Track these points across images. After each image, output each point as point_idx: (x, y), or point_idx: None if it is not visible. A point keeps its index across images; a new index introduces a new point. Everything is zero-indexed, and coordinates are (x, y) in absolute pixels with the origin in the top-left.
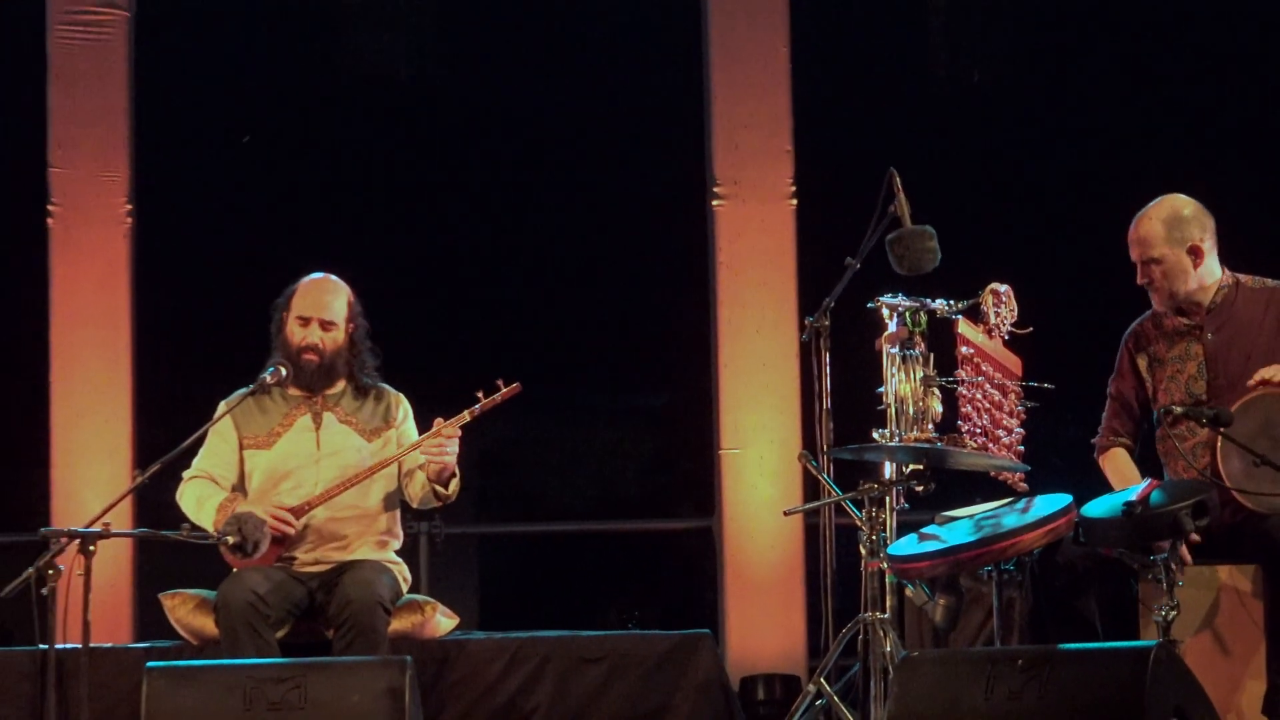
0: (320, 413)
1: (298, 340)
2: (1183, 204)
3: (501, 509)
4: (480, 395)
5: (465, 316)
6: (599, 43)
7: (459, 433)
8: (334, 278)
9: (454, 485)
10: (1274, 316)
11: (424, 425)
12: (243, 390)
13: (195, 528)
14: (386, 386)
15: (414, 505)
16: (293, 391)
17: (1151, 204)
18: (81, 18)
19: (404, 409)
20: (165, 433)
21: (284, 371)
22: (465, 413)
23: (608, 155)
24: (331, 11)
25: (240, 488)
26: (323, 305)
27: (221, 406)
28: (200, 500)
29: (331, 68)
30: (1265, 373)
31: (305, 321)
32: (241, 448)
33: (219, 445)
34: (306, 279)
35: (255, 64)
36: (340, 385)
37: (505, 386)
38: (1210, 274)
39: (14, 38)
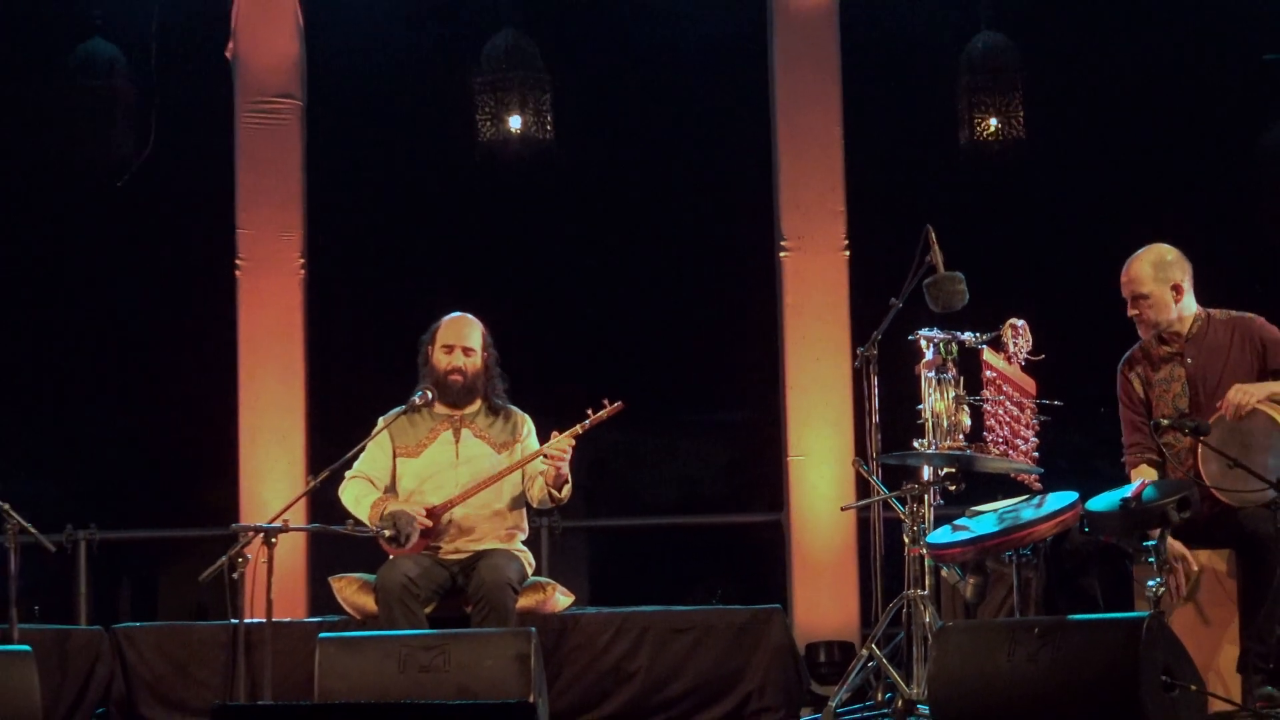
0: (459, 428)
1: (444, 365)
2: (1166, 250)
3: (607, 506)
4: (590, 412)
5: (579, 347)
6: (690, 123)
7: (573, 443)
8: (470, 315)
9: (566, 490)
10: (1239, 340)
11: (545, 438)
12: (397, 409)
13: (359, 523)
14: (514, 407)
15: (534, 506)
16: (438, 410)
17: (1141, 250)
18: (263, 106)
19: (528, 427)
20: (331, 446)
21: (430, 394)
22: (577, 426)
23: (696, 214)
24: (465, 96)
25: (391, 489)
26: (464, 335)
27: (380, 422)
28: (358, 498)
29: (465, 141)
30: (1231, 396)
31: (450, 349)
32: (395, 455)
33: (377, 452)
34: (449, 315)
35: (404, 140)
36: (476, 404)
37: (610, 405)
38: (1188, 309)
39: (210, 123)
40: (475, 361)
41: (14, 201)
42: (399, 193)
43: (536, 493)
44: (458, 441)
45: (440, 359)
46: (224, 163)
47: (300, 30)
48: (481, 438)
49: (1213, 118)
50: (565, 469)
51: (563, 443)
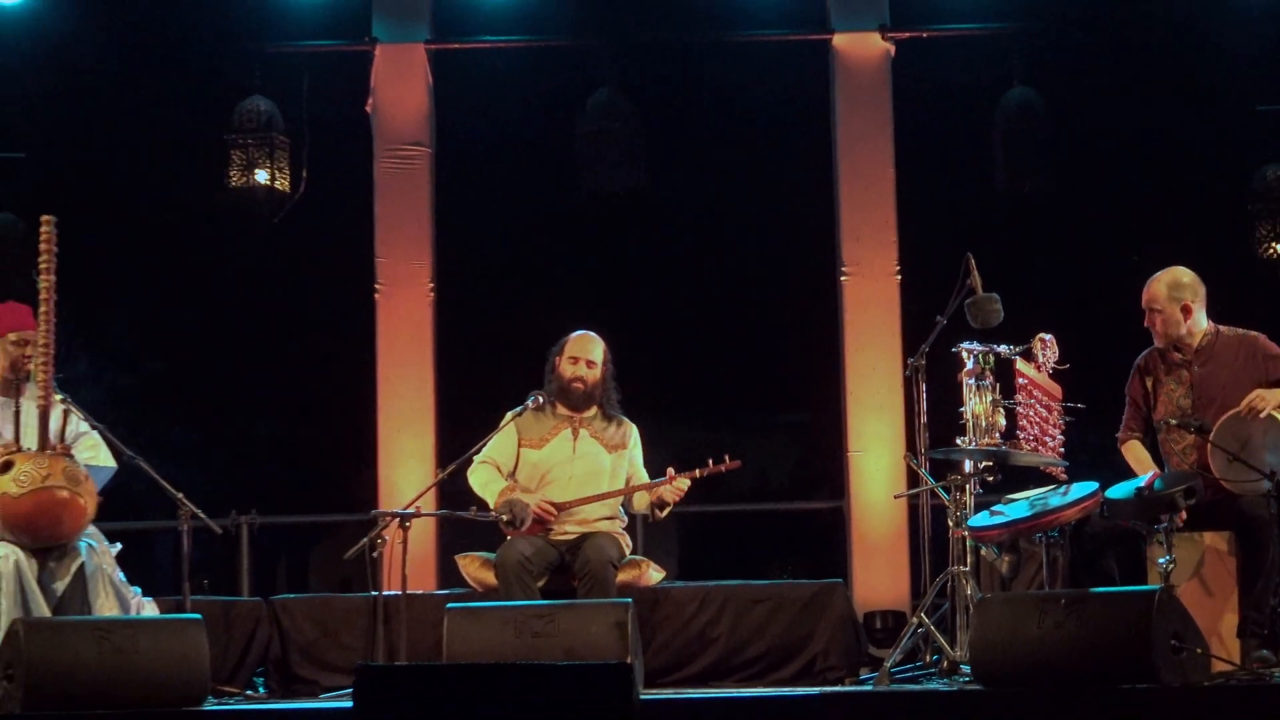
0: (577, 428)
1: (569, 374)
2: (1183, 274)
3: (693, 495)
4: (710, 462)
5: (669, 359)
6: (762, 163)
7: (687, 485)
8: (594, 334)
9: (665, 513)
10: (1244, 354)
11: (660, 465)
12: (515, 409)
13: (481, 509)
14: (624, 417)
15: (631, 511)
16: (560, 410)
17: (1162, 271)
18: (398, 152)
19: (635, 436)
20: (457, 441)
21: (542, 398)
22: (696, 470)
23: (767, 244)
24: (568, 143)
25: (512, 475)
26: (588, 350)
27: (506, 416)
28: (486, 483)
29: (569, 181)
30: (1249, 401)
31: (575, 360)
32: (520, 445)
33: (505, 441)
34: (578, 332)
35: (517, 180)
36: (594, 410)
37: (729, 462)
38: (1198, 325)
39: (352, 168)
40: (596, 373)
41: (189, 235)
42: (513, 225)
43: (638, 507)
44: (575, 439)
45: (566, 368)
46: (364, 201)
47: (429, 87)
48: (596, 439)
49: (1213, 159)
50: (673, 502)
51: (681, 484)
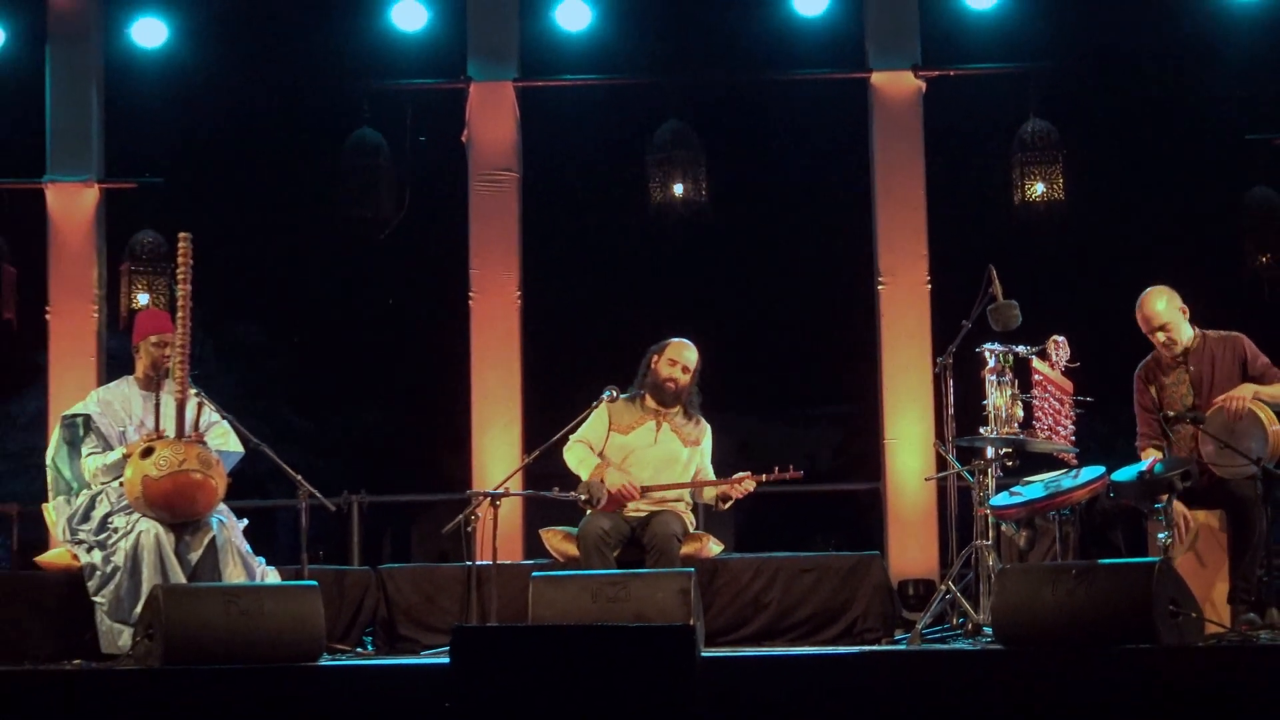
0: (661, 421)
1: (665, 374)
2: (1164, 289)
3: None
4: (776, 469)
5: (732, 359)
6: (810, 186)
7: (753, 487)
8: (691, 343)
9: (728, 506)
10: (1227, 353)
11: (720, 436)
12: (597, 401)
13: (563, 490)
14: (702, 416)
15: (699, 501)
16: (649, 404)
17: (1145, 294)
18: (489, 177)
19: (708, 435)
20: (540, 430)
21: (615, 393)
22: (763, 475)
23: (813, 257)
24: (640, 169)
25: (600, 454)
26: (687, 357)
27: (594, 405)
28: (581, 459)
29: (640, 202)
30: (1222, 398)
31: (674, 364)
32: (610, 429)
33: (597, 424)
34: (679, 339)
35: (594, 200)
36: (678, 408)
37: (792, 471)
38: (1189, 329)
39: (449, 190)
40: (687, 378)
41: (306, 250)
42: (590, 240)
43: (708, 499)
44: (658, 431)
45: (664, 369)
46: (460, 219)
47: (517, 120)
48: (675, 433)
49: (1207, 182)
50: (736, 498)
51: (748, 485)
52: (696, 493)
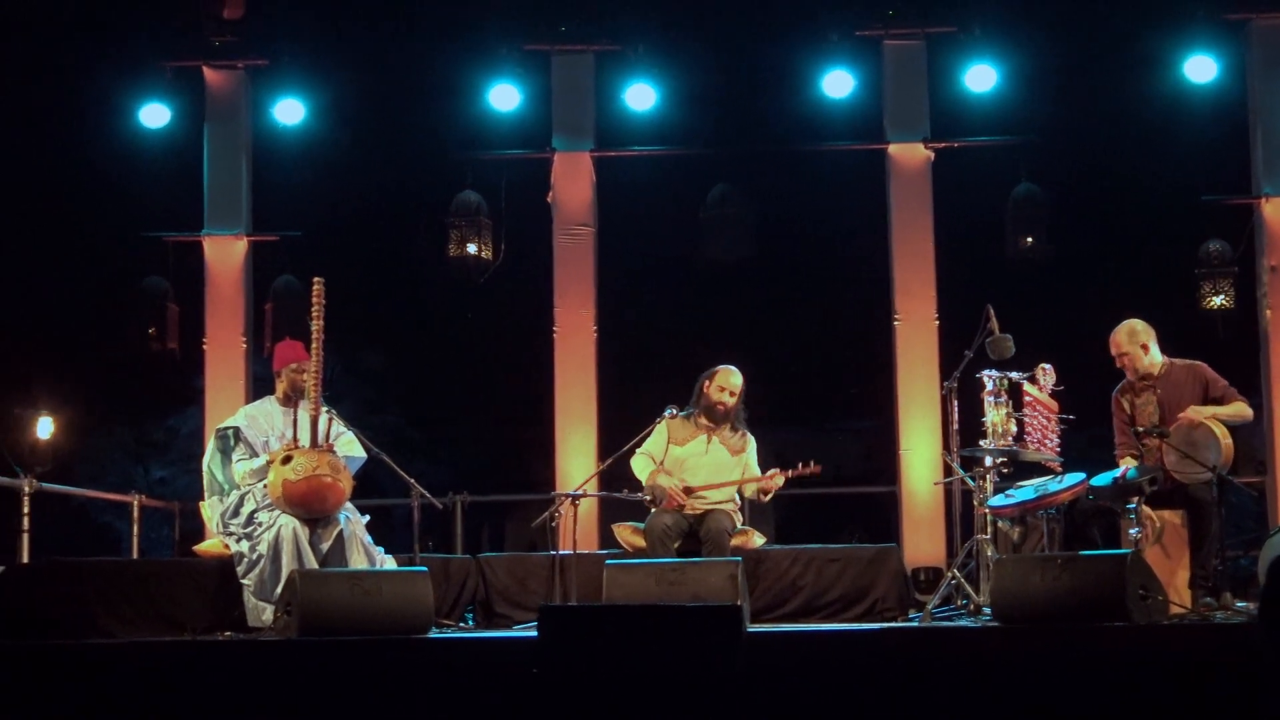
0: (711, 435)
1: (715, 398)
2: (1136, 323)
3: (787, 483)
4: (800, 464)
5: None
6: (837, 237)
7: (782, 481)
8: (736, 369)
9: (768, 498)
10: (1191, 379)
11: (769, 464)
12: (659, 418)
13: (631, 491)
14: (747, 430)
15: (744, 495)
16: (702, 421)
17: (1120, 325)
18: (571, 231)
19: (752, 445)
20: (612, 442)
21: (674, 411)
22: (790, 470)
23: (839, 296)
24: (695, 223)
25: (661, 463)
26: (732, 383)
27: (656, 421)
28: (644, 467)
29: (694, 249)
30: (1183, 415)
31: (722, 389)
32: (669, 442)
33: (657, 438)
34: (726, 366)
35: (656, 250)
36: (727, 426)
37: (814, 466)
38: (1155, 358)
39: (537, 242)
40: (735, 400)
41: (419, 291)
42: (653, 284)
43: (750, 494)
44: (709, 444)
45: (714, 393)
46: (545, 266)
47: (593, 183)
48: (724, 445)
49: (1168, 235)
50: (771, 491)
51: (778, 480)
52: (742, 491)
